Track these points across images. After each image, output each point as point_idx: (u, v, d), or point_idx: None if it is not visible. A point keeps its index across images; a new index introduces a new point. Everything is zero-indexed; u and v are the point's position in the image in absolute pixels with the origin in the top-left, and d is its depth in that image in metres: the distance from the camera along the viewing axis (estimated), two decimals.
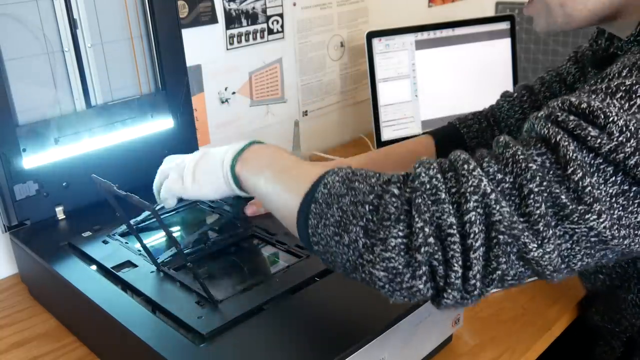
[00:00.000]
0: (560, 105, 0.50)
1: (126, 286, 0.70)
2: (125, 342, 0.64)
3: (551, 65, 0.95)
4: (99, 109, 0.91)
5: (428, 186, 0.48)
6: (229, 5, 1.14)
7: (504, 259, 0.47)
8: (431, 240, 0.47)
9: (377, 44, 1.30)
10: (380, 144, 1.31)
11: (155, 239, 0.81)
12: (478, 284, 0.48)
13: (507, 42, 1.38)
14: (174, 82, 0.98)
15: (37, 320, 0.82)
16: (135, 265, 0.74)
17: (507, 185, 0.48)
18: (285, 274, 0.71)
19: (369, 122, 1.32)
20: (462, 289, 0.48)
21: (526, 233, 0.46)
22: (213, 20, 1.13)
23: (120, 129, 0.93)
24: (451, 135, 0.90)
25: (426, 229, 0.47)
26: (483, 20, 1.37)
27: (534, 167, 0.47)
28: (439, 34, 1.33)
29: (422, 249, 0.47)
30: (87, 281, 0.72)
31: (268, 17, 1.21)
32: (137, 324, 0.63)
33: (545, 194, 0.47)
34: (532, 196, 0.47)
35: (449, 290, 0.48)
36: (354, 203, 0.51)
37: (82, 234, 0.82)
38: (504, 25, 1.38)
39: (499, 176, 0.48)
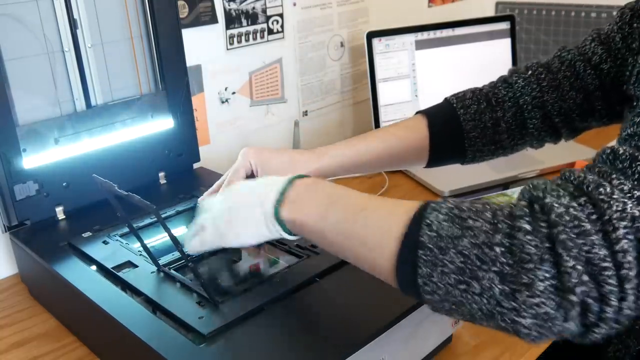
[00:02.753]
0: None
1: (126, 286, 0.70)
2: (125, 342, 0.64)
3: None
4: (99, 109, 0.91)
5: (568, 217, 0.45)
6: (229, 5, 1.14)
7: None
8: (585, 278, 0.44)
9: (377, 44, 1.30)
10: None
11: (156, 239, 0.81)
12: (632, 313, 0.45)
13: (507, 42, 1.38)
14: (174, 82, 0.98)
15: (37, 320, 0.82)
16: (136, 266, 0.74)
17: None
18: (285, 274, 0.71)
19: (369, 122, 1.32)
20: (615, 321, 0.45)
21: None
22: (213, 20, 1.13)
23: (120, 129, 0.93)
24: (447, 117, 0.85)
25: (578, 267, 0.43)
26: (483, 20, 1.37)
27: None
28: (439, 34, 1.34)
29: (578, 289, 0.44)
30: (87, 281, 0.72)
31: (268, 17, 1.21)
32: (138, 324, 0.63)
33: None
34: None
35: (602, 325, 0.45)
36: (478, 246, 0.47)
37: (82, 234, 0.82)
38: (504, 25, 1.38)
39: (637, 193, 0.45)
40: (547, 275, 0.44)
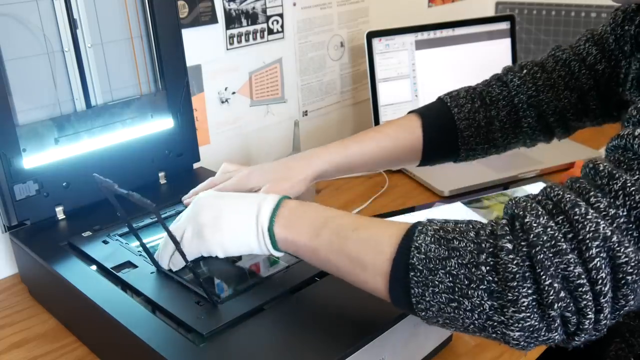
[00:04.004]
0: None
1: (126, 286, 0.70)
2: (125, 342, 0.64)
3: None
4: (99, 109, 0.91)
5: (545, 237, 0.48)
6: (229, 5, 1.14)
7: (632, 295, 0.48)
8: (562, 294, 0.47)
9: (377, 44, 1.30)
10: None
11: (156, 239, 0.81)
12: (608, 322, 0.48)
13: (507, 42, 1.38)
14: (174, 82, 0.98)
15: (37, 320, 0.82)
16: (135, 266, 0.74)
17: (622, 220, 0.47)
18: (285, 274, 0.71)
19: (369, 122, 1.32)
20: (594, 330, 0.49)
21: None
22: (213, 20, 1.13)
23: (120, 129, 0.93)
24: (441, 117, 0.86)
25: (555, 285, 0.47)
26: (483, 20, 1.37)
27: None
28: (439, 34, 1.34)
29: (555, 305, 0.47)
30: (87, 281, 0.72)
31: (268, 17, 1.21)
32: (137, 324, 0.63)
33: None
34: None
35: (581, 334, 0.49)
36: (465, 266, 0.49)
37: (82, 234, 0.82)
38: (504, 25, 1.38)
39: (612, 211, 0.47)
40: (529, 292, 0.47)
